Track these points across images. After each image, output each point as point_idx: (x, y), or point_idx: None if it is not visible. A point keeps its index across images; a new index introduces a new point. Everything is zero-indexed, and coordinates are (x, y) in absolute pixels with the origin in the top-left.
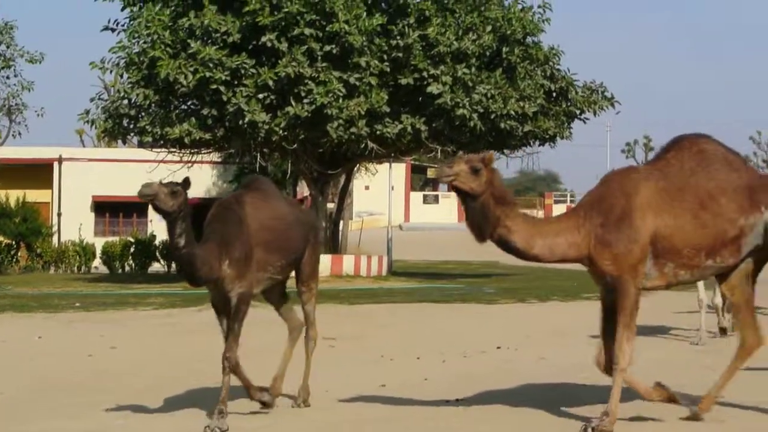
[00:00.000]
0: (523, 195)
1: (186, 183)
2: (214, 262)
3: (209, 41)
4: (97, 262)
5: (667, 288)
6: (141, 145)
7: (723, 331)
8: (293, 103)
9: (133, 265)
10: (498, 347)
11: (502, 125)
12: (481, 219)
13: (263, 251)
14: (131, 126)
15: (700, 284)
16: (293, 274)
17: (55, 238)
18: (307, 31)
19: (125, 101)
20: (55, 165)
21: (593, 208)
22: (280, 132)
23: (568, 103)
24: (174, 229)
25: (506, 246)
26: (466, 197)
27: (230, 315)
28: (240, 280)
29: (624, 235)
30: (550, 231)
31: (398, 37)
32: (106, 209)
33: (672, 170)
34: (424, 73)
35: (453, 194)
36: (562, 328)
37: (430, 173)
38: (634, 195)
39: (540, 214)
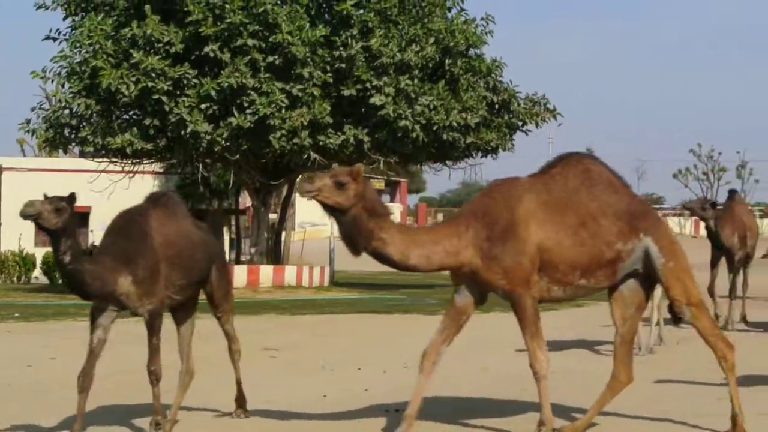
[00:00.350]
0: None
1: (71, 198)
2: (108, 276)
3: (152, 51)
4: (37, 272)
5: (539, 303)
6: (82, 155)
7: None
8: (236, 113)
9: None
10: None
11: (445, 137)
12: (354, 233)
13: (166, 268)
14: (72, 136)
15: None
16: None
17: None
18: (250, 41)
19: (67, 111)
20: None
21: (477, 220)
22: (223, 142)
23: (511, 115)
24: (59, 246)
25: (382, 258)
26: (334, 212)
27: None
28: (148, 297)
29: (511, 248)
30: (427, 240)
31: (341, 49)
32: None
33: (556, 186)
34: (367, 85)
35: (395, 205)
36: (503, 339)
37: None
38: (517, 206)
39: None
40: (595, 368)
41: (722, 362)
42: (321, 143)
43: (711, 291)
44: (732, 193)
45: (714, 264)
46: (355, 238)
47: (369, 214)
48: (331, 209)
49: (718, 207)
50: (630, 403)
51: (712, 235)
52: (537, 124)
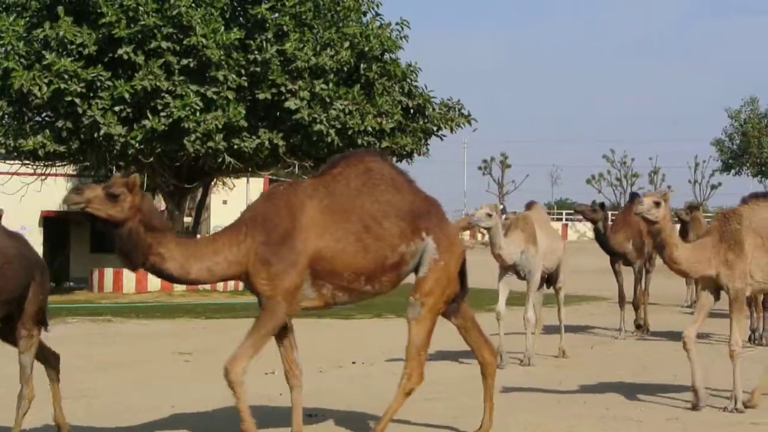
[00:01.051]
0: None
1: None
2: None
3: (64, 53)
4: None
5: (326, 308)
6: None
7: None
8: (150, 116)
9: None
10: (353, 362)
11: (360, 141)
12: (131, 247)
13: None
14: None
15: (530, 303)
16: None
17: None
18: (164, 44)
19: None
20: None
21: (256, 226)
22: (136, 145)
23: (426, 120)
24: None
25: (161, 274)
26: (107, 224)
27: None
28: None
29: (284, 257)
30: (207, 252)
31: (256, 52)
32: None
33: (338, 188)
34: (282, 88)
35: None
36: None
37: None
38: (298, 215)
39: None
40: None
41: (403, 379)
42: (236, 147)
43: (620, 300)
44: (633, 196)
45: (614, 271)
46: (131, 252)
47: (146, 228)
48: (103, 222)
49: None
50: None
51: (600, 238)
52: (452, 129)
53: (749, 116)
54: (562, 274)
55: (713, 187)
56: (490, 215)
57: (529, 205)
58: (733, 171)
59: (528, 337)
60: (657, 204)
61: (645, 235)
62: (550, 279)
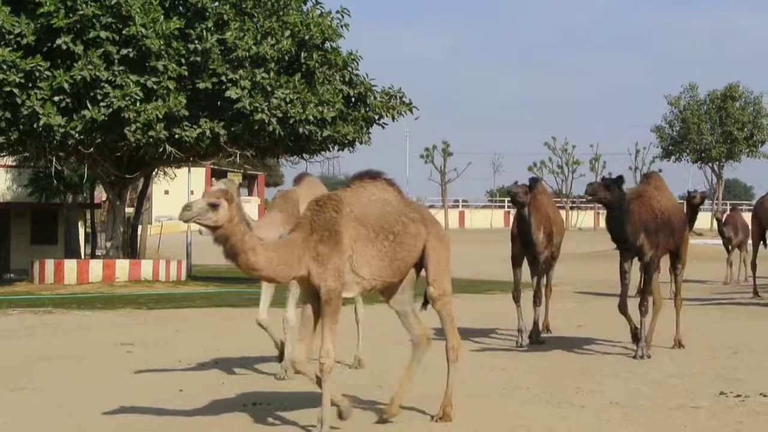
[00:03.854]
0: None
1: None
2: None
3: (2, 43)
4: None
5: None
6: None
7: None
8: (90, 106)
9: None
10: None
11: (301, 130)
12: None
13: None
14: None
15: (290, 300)
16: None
17: None
18: (104, 34)
19: None
20: None
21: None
22: (77, 135)
23: (367, 109)
24: None
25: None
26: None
27: None
28: None
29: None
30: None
31: (196, 41)
32: None
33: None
34: (223, 78)
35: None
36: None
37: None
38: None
39: None
40: None
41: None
42: (177, 136)
43: (515, 296)
44: (533, 182)
45: (516, 263)
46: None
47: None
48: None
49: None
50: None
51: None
52: (393, 118)
53: (689, 103)
54: None
55: None
56: (215, 206)
57: (298, 179)
58: (673, 157)
59: (288, 342)
60: (214, 206)
61: (552, 222)
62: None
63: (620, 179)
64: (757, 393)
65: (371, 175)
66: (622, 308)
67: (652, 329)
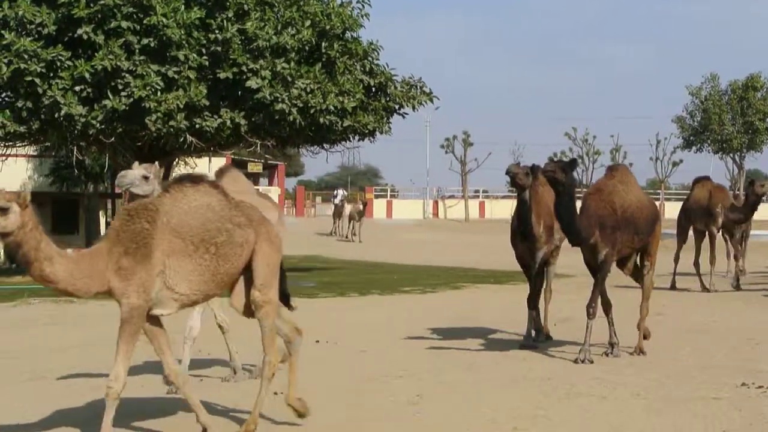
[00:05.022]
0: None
1: None
2: None
3: (24, 32)
4: None
5: None
6: None
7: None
8: (111, 96)
9: None
10: (317, 341)
11: (322, 120)
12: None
13: None
14: None
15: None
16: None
17: None
18: (125, 23)
19: None
20: None
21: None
22: (98, 125)
23: (387, 98)
24: None
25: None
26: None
27: None
28: None
29: None
30: None
31: (217, 31)
32: None
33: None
34: (243, 68)
35: (273, 189)
36: (381, 322)
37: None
38: None
39: (360, 207)
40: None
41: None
42: (197, 126)
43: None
44: (533, 170)
45: (520, 259)
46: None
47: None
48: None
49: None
50: None
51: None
52: (414, 108)
53: (710, 93)
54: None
55: (674, 164)
56: (147, 178)
57: (220, 173)
58: (694, 148)
59: (186, 350)
60: (3, 210)
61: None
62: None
63: (574, 163)
64: None
65: (192, 180)
66: (531, 302)
67: (642, 328)
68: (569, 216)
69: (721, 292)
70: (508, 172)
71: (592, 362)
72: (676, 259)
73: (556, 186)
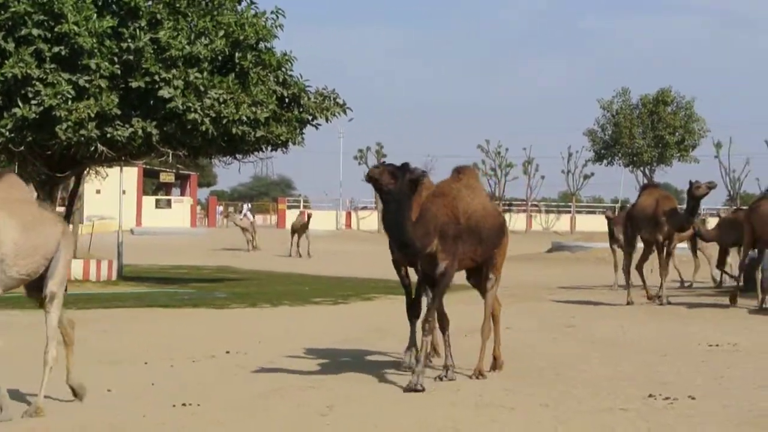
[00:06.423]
0: (257, 200)
1: None
2: None
3: None
4: None
5: None
6: None
7: None
8: (20, 104)
9: None
10: (227, 352)
11: (234, 130)
12: None
13: None
14: None
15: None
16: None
17: None
18: (35, 31)
19: None
20: None
21: None
22: (7, 134)
23: (301, 109)
24: None
25: None
26: None
27: None
28: None
29: None
30: None
31: (129, 40)
32: None
33: None
34: (156, 77)
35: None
36: (292, 333)
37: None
38: None
39: (274, 219)
40: None
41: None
42: (109, 135)
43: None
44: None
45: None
46: None
47: None
48: None
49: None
50: None
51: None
52: (327, 119)
53: (621, 107)
54: (54, 277)
55: (586, 177)
56: None
57: None
58: (605, 161)
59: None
60: None
61: None
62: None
63: (406, 167)
64: (685, 396)
65: None
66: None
67: (483, 349)
68: (397, 227)
69: (645, 304)
70: (366, 176)
71: (423, 389)
72: (626, 271)
73: (381, 193)
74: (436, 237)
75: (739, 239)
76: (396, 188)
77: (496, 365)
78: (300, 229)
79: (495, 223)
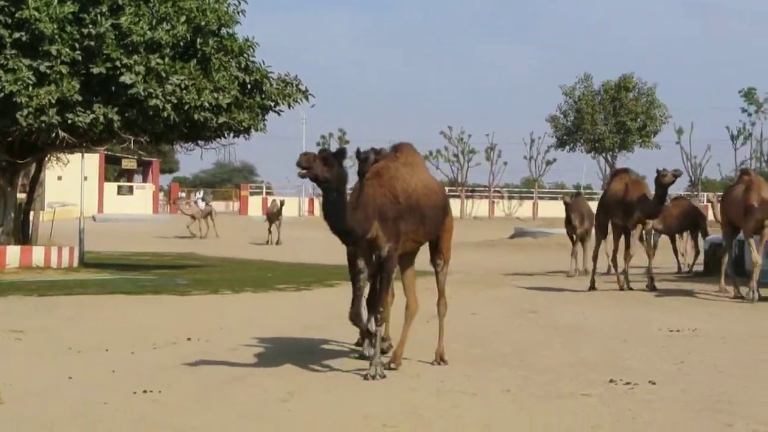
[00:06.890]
0: (220, 187)
1: None
2: None
3: None
4: None
5: None
6: None
7: None
8: None
9: None
10: (189, 339)
11: (196, 116)
12: None
13: None
14: None
15: None
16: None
17: None
18: None
19: None
20: None
21: None
22: None
23: (263, 96)
24: None
25: None
26: None
27: None
28: None
29: None
30: None
31: (90, 26)
32: None
33: None
34: (117, 63)
35: (147, 186)
36: (254, 320)
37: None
38: None
39: (236, 206)
40: None
41: None
42: (70, 121)
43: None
44: (341, 154)
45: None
46: None
47: None
48: None
49: None
50: None
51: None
52: (289, 105)
53: (583, 93)
54: None
55: (548, 162)
56: None
57: None
58: (567, 147)
59: None
60: None
61: None
62: None
63: (342, 153)
64: (646, 381)
65: None
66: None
67: (405, 338)
68: (336, 215)
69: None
70: (299, 165)
71: (384, 377)
72: (595, 257)
73: (317, 182)
74: (376, 220)
75: (682, 227)
76: (333, 176)
77: (393, 361)
78: (274, 215)
79: (437, 200)
